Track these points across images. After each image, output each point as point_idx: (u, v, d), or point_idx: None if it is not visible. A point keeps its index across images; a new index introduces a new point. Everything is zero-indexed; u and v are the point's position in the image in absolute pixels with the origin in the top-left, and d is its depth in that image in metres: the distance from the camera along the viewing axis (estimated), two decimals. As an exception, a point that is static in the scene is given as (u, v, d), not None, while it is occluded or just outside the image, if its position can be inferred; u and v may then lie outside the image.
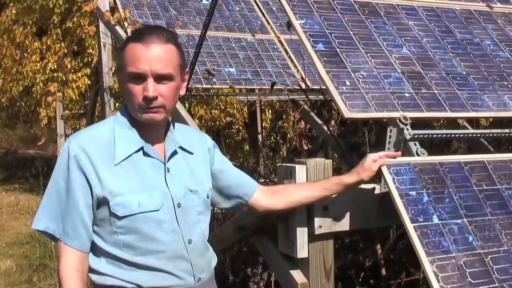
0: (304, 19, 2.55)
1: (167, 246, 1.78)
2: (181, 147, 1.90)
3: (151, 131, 1.83)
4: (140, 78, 1.75)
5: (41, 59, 11.80)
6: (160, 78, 1.76)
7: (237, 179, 2.07)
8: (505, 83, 2.68)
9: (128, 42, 1.79)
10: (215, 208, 4.10)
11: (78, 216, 1.74)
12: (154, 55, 1.74)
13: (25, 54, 12.51)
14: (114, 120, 1.84)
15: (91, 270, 1.80)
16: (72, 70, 11.22)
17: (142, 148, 1.80)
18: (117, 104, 5.62)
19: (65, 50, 11.04)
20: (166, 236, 1.78)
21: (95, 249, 1.80)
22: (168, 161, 1.84)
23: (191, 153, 1.93)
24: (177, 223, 1.81)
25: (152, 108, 1.76)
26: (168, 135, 1.89)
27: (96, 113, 6.97)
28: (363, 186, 2.34)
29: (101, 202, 1.74)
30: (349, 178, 2.12)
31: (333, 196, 2.21)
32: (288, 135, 6.02)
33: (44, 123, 12.49)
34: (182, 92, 1.88)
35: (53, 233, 1.77)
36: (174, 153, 1.87)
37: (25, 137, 22.89)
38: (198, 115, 9.12)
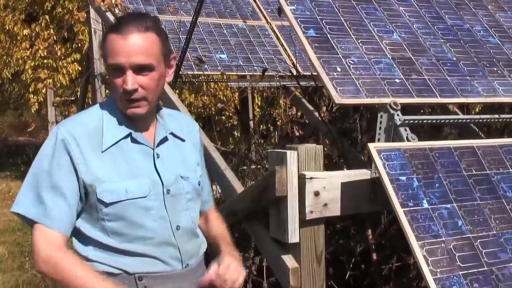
0: (295, 5, 2.55)
1: (155, 233, 1.77)
2: (172, 134, 1.90)
3: (140, 119, 1.82)
4: (120, 70, 1.72)
5: (31, 46, 11.72)
6: (140, 69, 1.72)
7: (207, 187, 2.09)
8: (495, 69, 2.70)
9: (108, 33, 1.75)
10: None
11: (62, 200, 1.71)
12: (132, 46, 1.70)
13: (15, 42, 12.42)
14: (103, 106, 1.82)
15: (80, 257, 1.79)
16: (62, 57, 11.15)
17: (130, 135, 1.79)
18: (107, 91, 5.60)
19: (55, 37, 10.97)
20: (154, 223, 1.77)
21: (82, 237, 1.77)
22: (157, 146, 1.84)
23: (183, 140, 1.93)
24: (166, 210, 1.80)
25: (133, 101, 1.74)
26: (159, 120, 1.88)
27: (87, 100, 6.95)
28: (353, 171, 2.36)
29: (88, 189, 1.72)
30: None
31: (324, 181, 2.23)
32: (279, 121, 6.02)
33: (34, 110, 12.44)
34: (168, 79, 1.85)
35: (33, 217, 1.71)
36: (165, 139, 1.86)
37: (15, 124, 22.78)
38: (187, 102, 9.10)
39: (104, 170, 1.73)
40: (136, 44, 1.70)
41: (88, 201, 1.74)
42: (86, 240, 1.77)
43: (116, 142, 1.76)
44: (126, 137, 1.78)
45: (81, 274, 1.68)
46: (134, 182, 1.75)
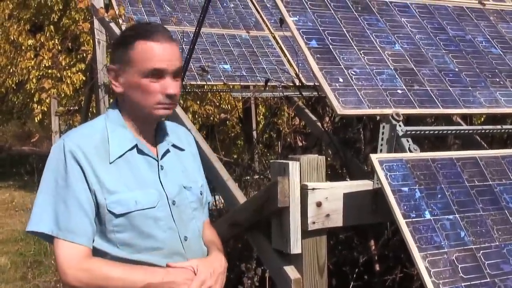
0: (298, 16, 2.56)
1: (164, 244, 1.78)
2: (173, 145, 1.91)
3: (145, 129, 1.84)
4: (158, 75, 1.76)
5: (35, 56, 11.79)
6: (175, 75, 1.79)
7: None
8: (497, 79, 2.70)
9: (135, 40, 1.77)
10: (210, 205, 4.12)
11: (83, 213, 1.70)
12: (170, 53, 1.78)
13: (19, 52, 12.49)
14: (106, 118, 1.83)
15: None
16: (67, 67, 11.21)
17: (136, 146, 1.80)
18: (110, 100, 5.62)
19: (59, 47, 11.03)
20: (163, 234, 1.78)
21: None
22: (161, 159, 1.85)
23: (182, 149, 1.94)
24: (173, 220, 1.80)
25: (169, 104, 1.79)
26: (159, 132, 1.89)
27: (91, 110, 6.98)
28: (355, 182, 2.36)
29: (98, 200, 1.72)
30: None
31: (327, 192, 2.23)
32: (283, 131, 6.03)
33: (38, 119, 12.48)
34: None
35: (56, 234, 1.70)
36: (167, 151, 1.88)
37: (19, 134, 22.86)
38: (191, 110, 9.13)
39: (112, 182, 1.73)
40: (172, 51, 1.79)
41: (98, 214, 1.73)
42: (94, 252, 1.75)
43: (123, 154, 1.77)
44: (132, 148, 1.79)
45: (117, 273, 1.69)
46: (142, 193, 1.76)
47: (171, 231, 1.80)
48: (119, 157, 1.76)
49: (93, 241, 1.74)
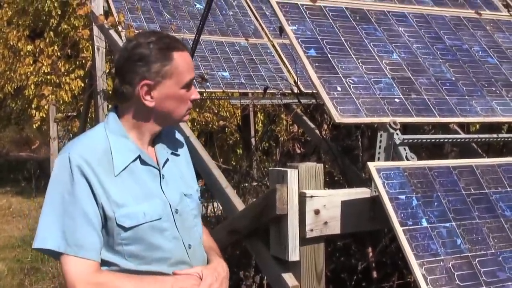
0: (297, 25, 2.59)
1: (170, 253, 1.79)
2: (171, 152, 1.92)
3: (151, 138, 1.84)
4: (190, 84, 1.83)
5: (34, 62, 11.79)
6: None
7: None
8: (493, 88, 2.73)
9: (171, 52, 1.77)
10: (208, 212, 4.14)
11: (91, 227, 1.69)
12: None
13: (18, 57, 12.49)
14: (106, 127, 1.80)
15: None
16: (65, 73, 11.22)
17: (139, 157, 1.79)
18: (109, 106, 5.63)
19: (58, 53, 11.05)
20: (169, 244, 1.78)
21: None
22: (162, 168, 1.85)
23: (178, 155, 1.95)
24: (177, 229, 1.81)
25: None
26: (157, 140, 1.88)
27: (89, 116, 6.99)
28: (353, 189, 2.38)
29: (106, 213, 1.71)
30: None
31: (325, 199, 2.25)
32: (281, 138, 6.05)
33: (36, 125, 12.49)
34: None
35: (64, 250, 1.68)
36: (167, 160, 1.88)
37: (17, 140, 22.82)
38: (190, 117, 9.15)
39: (119, 195, 1.72)
40: None
41: (106, 226, 1.72)
42: (103, 263, 1.74)
43: (127, 166, 1.76)
44: (135, 159, 1.78)
45: (129, 286, 1.70)
46: (148, 205, 1.75)
47: (176, 240, 1.80)
48: (123, 169, 1.75)
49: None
